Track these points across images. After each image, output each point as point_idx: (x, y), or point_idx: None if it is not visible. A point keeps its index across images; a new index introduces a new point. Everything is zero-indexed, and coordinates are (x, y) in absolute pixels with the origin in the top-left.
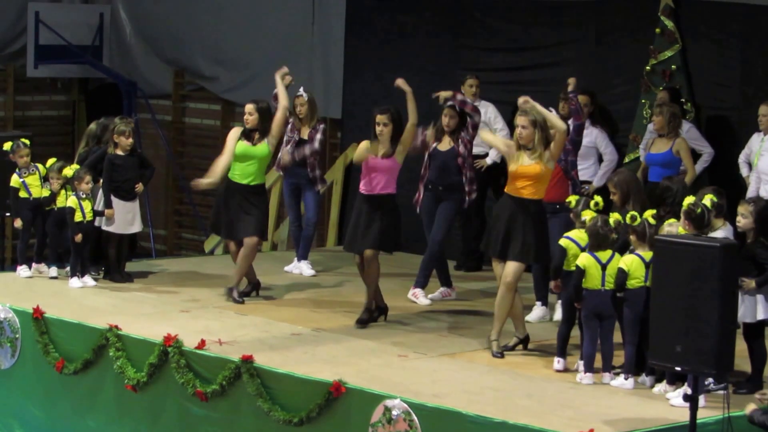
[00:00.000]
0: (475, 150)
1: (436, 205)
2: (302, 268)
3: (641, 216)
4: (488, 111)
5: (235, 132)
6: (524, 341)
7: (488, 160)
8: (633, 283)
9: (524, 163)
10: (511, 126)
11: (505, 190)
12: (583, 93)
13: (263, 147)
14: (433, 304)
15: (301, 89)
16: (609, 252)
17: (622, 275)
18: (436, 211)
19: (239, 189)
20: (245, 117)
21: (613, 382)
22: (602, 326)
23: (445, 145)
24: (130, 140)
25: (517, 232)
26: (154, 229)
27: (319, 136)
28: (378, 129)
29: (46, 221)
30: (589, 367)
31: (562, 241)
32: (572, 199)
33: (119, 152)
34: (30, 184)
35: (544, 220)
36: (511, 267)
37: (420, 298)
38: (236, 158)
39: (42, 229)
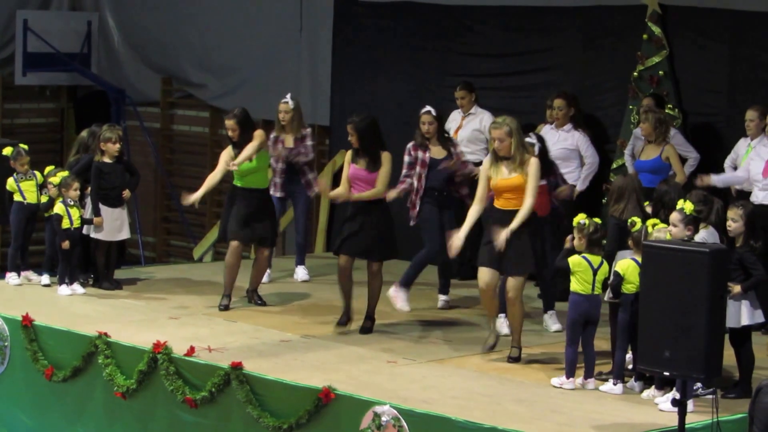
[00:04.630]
0: (470, 158)
1: (439, 212)
2: (299, 273)
3: (643, 222)
4: (483, 119)
5: (228, 152)
6: (495, 345)
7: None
8: (629, 288)
9: (504, 176)
10: None
11: (494, 203)
12: (560, 96)
13: (259, 157)
14: (424, 311)
15: (288, 96)
16: (600, 258)
17: (617, 279)
18: (438, 218)
19: (248, 194)
20: (229, 133)
21: (602, 387)
22: (585, 331)
23: (439, 152)
24: (117, 146)
25: (512, 245)
26: (143, 236)
27: (309, 142)
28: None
29: (45, 228)
30: (571, 373)
31: (570, 260)
32: (584, 218)
33: (106, 159)
34: (25, 189)
35: (537, 228)
36: (512, 282)
37: (401, 302)
38: (243, 173)
39: (30, 236)
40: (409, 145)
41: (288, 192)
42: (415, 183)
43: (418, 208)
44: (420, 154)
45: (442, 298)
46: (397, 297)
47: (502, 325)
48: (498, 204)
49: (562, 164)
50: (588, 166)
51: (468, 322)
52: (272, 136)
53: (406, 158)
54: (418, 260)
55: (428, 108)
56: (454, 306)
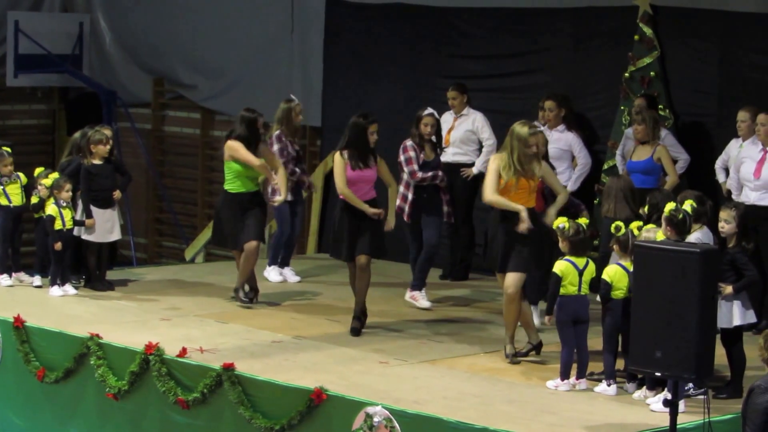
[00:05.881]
0: (462, 159)
1: (422, 214)
2: (287, 275)
3: (626, 227)
4: (476, 120)
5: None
6: (537, 347)
7: (474, 170)
8: (617, 293)
9: (516, 177)
10: (497, 135)
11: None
12: (550, 98)
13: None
14: (414, 312)
15: (292, 95)
16: (585, 259)
17: (606, 287)
18: (419, 221)
19: (240, 198)
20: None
21: (596, 388)
22: (577, 332)
23: (431, 154)
24: (107, 148)
25: (516, 243)
26: (135, 237)
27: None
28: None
29: (35, 229)
30: (566, 375)
31: (557, 268)
32: (564, 221)
33: (95, 161)
34: (10, 192)
35: (539, 227)
36: (511, 278)
37: (420, 300)
38: (239, 172)
39: (20, 238)
40: (409, 142)
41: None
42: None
43: (413, 207)
44: (417, 153)
45: (417, 295)
46: (415, 298)
47: (535, 316)
48: None
49: (553, 164)
50: (581, 166)
51: (461, 322)
52: (277, 134)
53: (412, 153)
54: (420, 265)
55: (431, 110)
56: (447, 306)
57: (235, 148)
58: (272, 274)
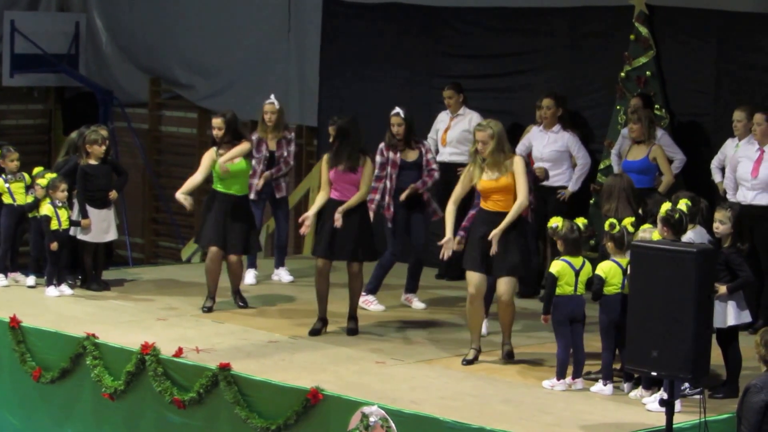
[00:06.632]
0: (458, 159)
1: (407, 212)
2: (281, 275)
3: (620, 223)
4: (472, 120)
5: (210, 154)
6: (478, 354)
7: None
8: (609, 289)
9: (486, 178)
10: None
11: (481, 205)
12: (549, 96)
13: (241, 163)
14: (410, 312)
15: (272, 96)
16: (581, 259)
17: (600, 282)
18: (408, 219)
19: (223, 199)
20: (214, 132)
21: (593, 388)
22: (573, 331)
23: (411, 154)
24: (103, 148)
25: (502, 246)
26: (131, 237)
27: (292, 147)
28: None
29: (30, 229)
30: (562, 374)
31: (554, 268)
32: (558, 221)
33: (92, 161)
34: (15, 191)
35: (525, 228)
36: (505, 285)
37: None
38: (224, 176)
39: (21, 237)
40: (381, 145)
41: (268, 194)
42: (388, 184)
43: (393, 210)
44: (391, 155)
45: (411, 297)
46: (367, 302)
47: (485, 327)
48: (486, 206)
49: (553, 166)
50: (581, 166)
51: (456, 322)
52: (255, 137)
53: (378, 158)
54: (382, 264)
55: (397, 110)
56: (443, 306)
57: (207, 159)
58: (248, 276)
